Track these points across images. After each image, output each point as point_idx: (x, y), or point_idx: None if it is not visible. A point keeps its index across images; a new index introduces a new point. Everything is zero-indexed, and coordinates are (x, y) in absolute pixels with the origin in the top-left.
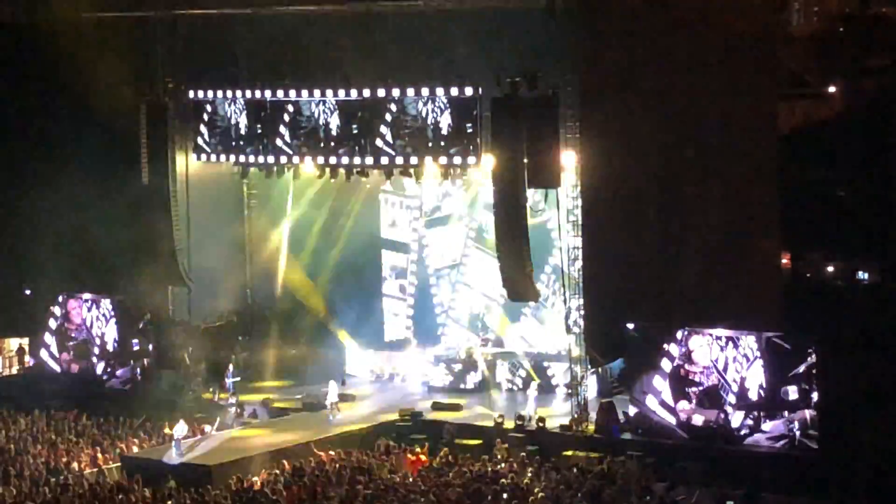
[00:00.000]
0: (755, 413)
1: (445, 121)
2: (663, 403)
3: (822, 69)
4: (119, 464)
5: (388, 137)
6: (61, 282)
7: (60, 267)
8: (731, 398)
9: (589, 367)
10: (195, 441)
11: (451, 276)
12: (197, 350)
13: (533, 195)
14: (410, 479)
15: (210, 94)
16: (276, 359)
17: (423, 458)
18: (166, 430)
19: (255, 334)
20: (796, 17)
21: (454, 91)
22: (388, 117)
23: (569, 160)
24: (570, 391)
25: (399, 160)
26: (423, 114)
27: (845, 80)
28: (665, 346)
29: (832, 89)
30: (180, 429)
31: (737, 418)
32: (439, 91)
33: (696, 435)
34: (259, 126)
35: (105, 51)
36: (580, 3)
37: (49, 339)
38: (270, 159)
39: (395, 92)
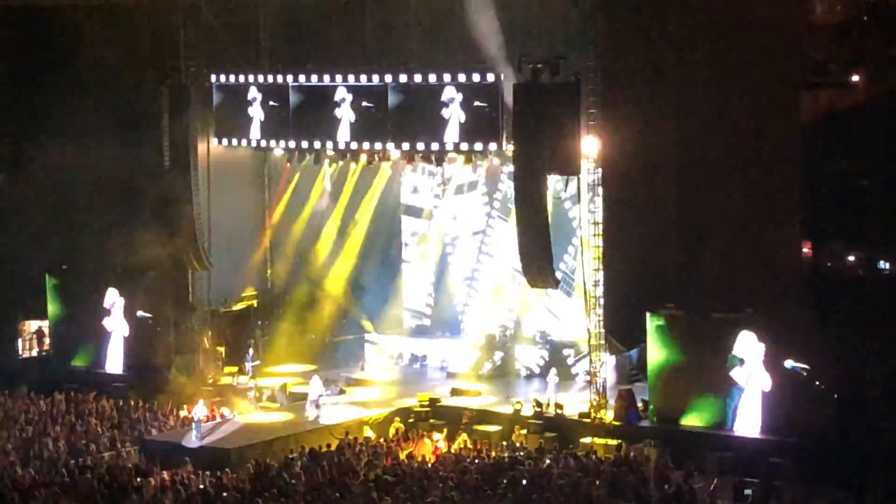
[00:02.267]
0: None
1: (467, 107)
2: None
3: (846, 58)
4: (138, 447)
5: (410, 123)
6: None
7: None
8: None
9: (608, 354)
10: (214, 425)
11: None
12: (216, 334)
13: (554, 182)
14: (429, 465)
15: (232, 77)
16: (295, 343)
17: (441, 443)
18: (185, 414)
19: (275, 318)
20: (820, 5)
21: (476, 77)
22: (410, 103)
23: (591, 147)
24: (588, 377)
25: (420, 146)
26: (446, 99)
27: (869, 69)
28: None
29: (855, 78)
30: (199, 410)
31: None
32: (461, 76)
33: None
34: (280, 110)
35: (127, 34)
36: None
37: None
38: (292, 144)
39: (418, 77)
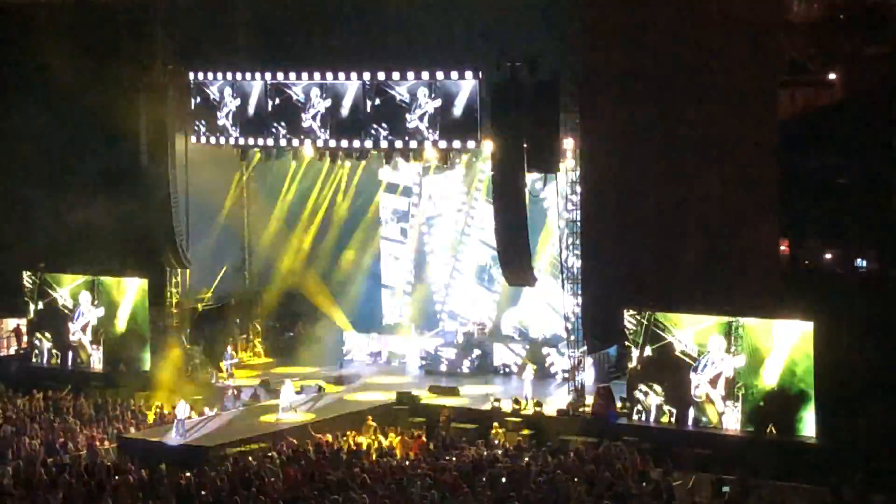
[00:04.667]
0: None
1: (445, 105)
2: None
3: (823, 56)
4: (116, 445)
5: (388, 121)
6: (63, 265)
7: (58, 250)
8: None
9: (587, 352)
10: (193, 423)
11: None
12: (195, 332)
13: (532, 180)
14: (407, 463)
15: (209, 76)
16: (273, 341)
17: (419, 441)
18: (164, 411)
19: (254, 316)
20: (797, 4)
21: (454, 75)
22: (387, 102)
23: (569, 145)
24: (566, 375)
25: (398, 144)
26: (423, 98)
27: (845, 67)
28: None
29: (832, 76)
30: (182, 409)
31: None
32: (439, 75)
33: None
34: (258, 109)
35: (104, 32)
36: None
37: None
38: (269, 142)
39: (395, 76)
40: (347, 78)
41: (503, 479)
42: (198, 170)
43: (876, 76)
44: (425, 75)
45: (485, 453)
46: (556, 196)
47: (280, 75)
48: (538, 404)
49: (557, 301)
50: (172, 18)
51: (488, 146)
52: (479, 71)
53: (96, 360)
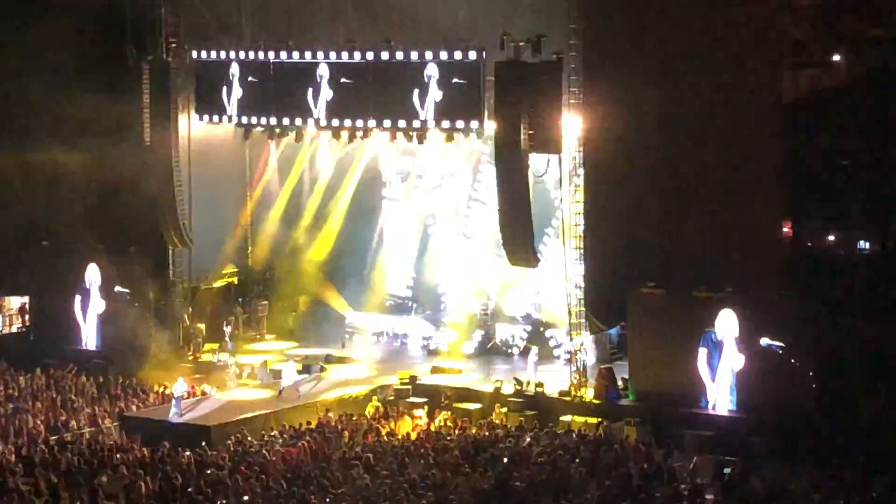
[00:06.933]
0: None
1: (448, 84)
2: None
3: (827, 38)
4: (118, 423)
5: (391, 100)
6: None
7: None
8: None
9: (588, 332)
10: (195, 401)
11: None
12: (197, 311)
13: (535, 160)
14: (409, 443)
15: (213, 54)
16: (276, 320)
17: (421, 421)
18: (166, 390)
19: (256, 295)
20: None
21: (458, 54)
22: (391, 80)
23: (572, 126)
24: (568, 356)
25: (402, 123)
26: (427, 77)
27: (849, 49)
28: None
29: (836, 58)
30: (179, 386)
31: None
32: (443, 54)
33: None
34: (261, 88)
35: (108, 10)
36: None
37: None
38: (273, 121)
39: (399, 55)
40: (350, 57)
41: (504, 460)
42: (201, 149)
43: (880, 58)
44: (429, 54)
45: (486, 433)
46: (559, 177)
47: (283, 54)
48: (540, 385)
49: (561, 280)
50: None
51: (491, 126)
52: (483, 50)
53: (95, 338)
